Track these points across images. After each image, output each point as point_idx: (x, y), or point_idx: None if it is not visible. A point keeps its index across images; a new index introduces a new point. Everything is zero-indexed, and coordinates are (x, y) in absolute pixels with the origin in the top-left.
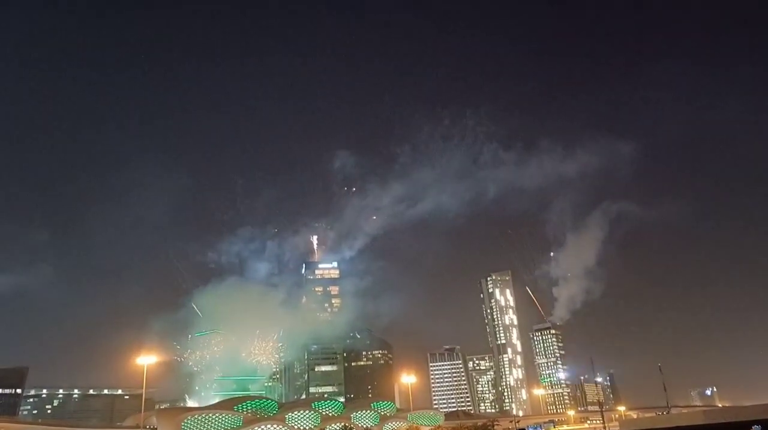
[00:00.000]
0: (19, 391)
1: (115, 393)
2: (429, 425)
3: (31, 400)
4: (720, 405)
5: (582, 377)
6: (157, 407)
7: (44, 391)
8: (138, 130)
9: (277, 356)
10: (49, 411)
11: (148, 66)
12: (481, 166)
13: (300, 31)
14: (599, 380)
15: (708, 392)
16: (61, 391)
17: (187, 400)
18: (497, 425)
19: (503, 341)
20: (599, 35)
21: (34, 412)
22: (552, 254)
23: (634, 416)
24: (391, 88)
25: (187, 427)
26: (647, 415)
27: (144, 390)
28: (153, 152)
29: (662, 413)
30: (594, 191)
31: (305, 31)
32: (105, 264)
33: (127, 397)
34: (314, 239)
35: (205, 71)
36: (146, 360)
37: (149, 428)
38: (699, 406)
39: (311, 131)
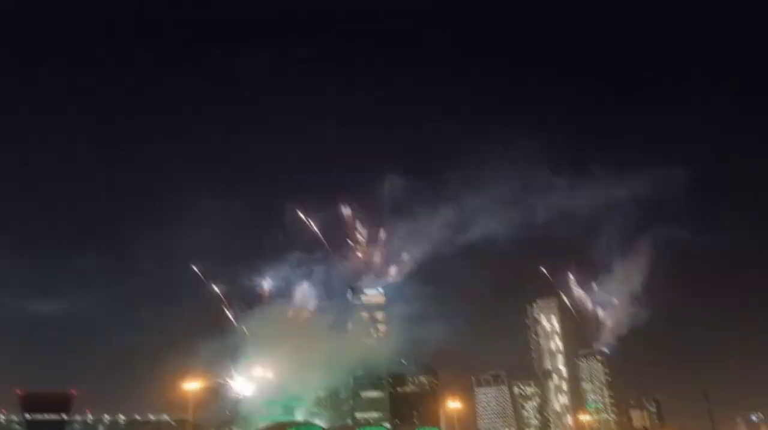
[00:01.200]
0: (65, 416)
1: (161, 418)
2: None
3: (77, 426)
4: None
5: (630, 402)
6: None
7: (90, 417)
8: (189, 155)
9: (323, 381)
10: None
11: (201, 91)
12: (530, 191)
13: (351, 58)
14: (645, 406)
15: (754, 418)
16: (106, 416)
17: (234, 426)
18: None
19: (549, 367)
20: (653, 59)
21: None
22: (599, 279)
23: None
24: (443, 112)
25: None
26: None
27: (190, 415)
28: (204, 177)
29: None
30: (643, 216)
31: (356, 59)
32: (153, 289)
33: (173, 423)
34: (360, 264)
35: (257, 96)
36: (191, 385)
37: None
38: None
39: (362, 155)
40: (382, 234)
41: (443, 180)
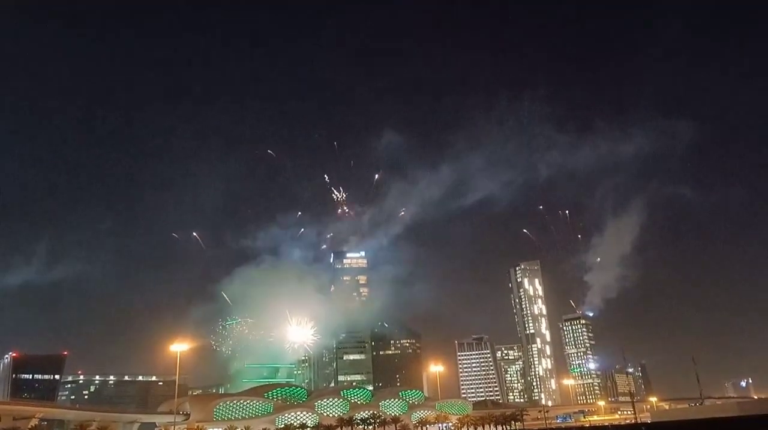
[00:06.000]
0: (57, 377)
1: (149, 379)
2: (457, 414)
3: (69, 385)
4: (756, 397)
5: (615, 367)
6: (190, 393)
7: (81, 377)
8: (195, 121)
9: (306, 343)
10: (86, 397)
11: (202, 56)
12: (533, 149)
13: (347, 9)
14: (631, 370)
15: (743, 384)
16: (97, 377)
17: (223, 387)
18: (526, 415)
19: (532, 331)
20: (660, 12)
21: (72, 397)
22: (590, 240)
23: (666, 407)
24: (445, 69)
25: (219, 413)
26: (679, 406)
27: (177, 377)
28: (208, 141)
29: (695, 405)
30: (643, 174)
31: (352, 10)
32: (154, 252)
33: (161, 383)
34: (345, 227)
35: (255, 57)
36: (179, 347)
37: (183, 413)
38: (733, 397)
39: (362, 114)
40: (370, 196)
41: (434, 141)
